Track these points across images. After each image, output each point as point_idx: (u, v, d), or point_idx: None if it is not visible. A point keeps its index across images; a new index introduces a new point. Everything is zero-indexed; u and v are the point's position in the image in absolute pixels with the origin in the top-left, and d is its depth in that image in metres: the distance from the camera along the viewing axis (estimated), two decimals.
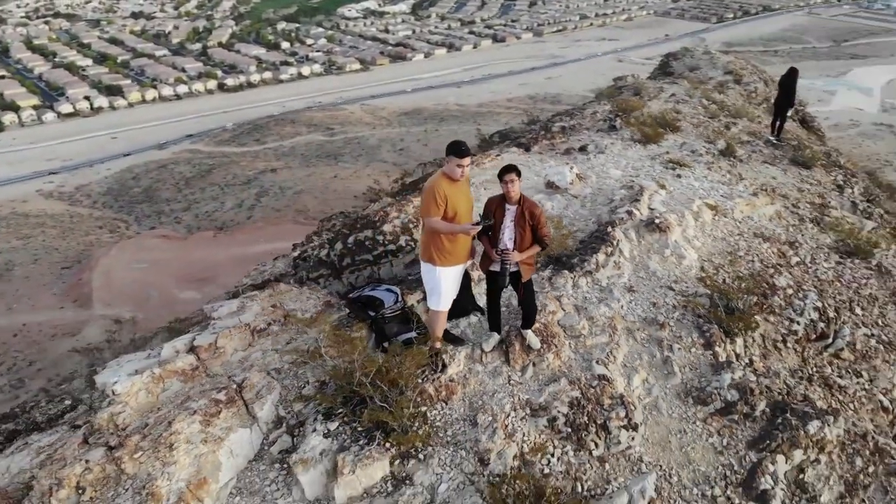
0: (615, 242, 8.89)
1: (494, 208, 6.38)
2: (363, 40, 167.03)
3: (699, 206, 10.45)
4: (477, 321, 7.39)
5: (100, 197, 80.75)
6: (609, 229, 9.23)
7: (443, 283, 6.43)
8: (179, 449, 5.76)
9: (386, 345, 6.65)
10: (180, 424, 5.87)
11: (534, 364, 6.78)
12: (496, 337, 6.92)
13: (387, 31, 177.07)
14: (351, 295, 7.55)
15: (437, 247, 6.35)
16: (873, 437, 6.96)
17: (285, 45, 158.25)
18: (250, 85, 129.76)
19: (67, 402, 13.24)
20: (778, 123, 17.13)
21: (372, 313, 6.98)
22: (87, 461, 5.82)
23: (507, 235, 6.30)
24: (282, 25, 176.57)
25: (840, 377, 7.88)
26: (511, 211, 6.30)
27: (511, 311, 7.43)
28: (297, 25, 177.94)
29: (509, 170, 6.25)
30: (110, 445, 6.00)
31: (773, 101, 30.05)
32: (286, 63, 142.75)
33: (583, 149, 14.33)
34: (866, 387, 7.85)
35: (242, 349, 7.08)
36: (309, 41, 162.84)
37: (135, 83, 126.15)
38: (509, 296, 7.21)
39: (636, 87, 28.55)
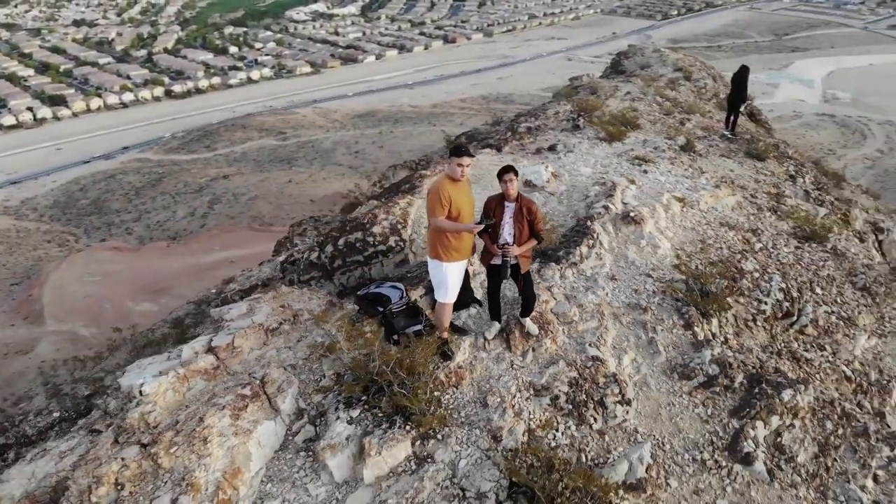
0: (595, 235, 9.59)
1: (494, 206, 6.96)
2: (313, 43, 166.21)
3: (668, 199, 11.25)
4: (476, 312, 7.97)
5: (47, 210, 78.75)
6: (588, 223, 9.92)
7: (449, 278, 6.98)
8: (213, 442, 6.17)
9: (395, 337, 7.16)
10: (212, 419, 6.28)
11: (533, 349, 7.39)
12: (497, 326, 7.51)
13: (337, 33, 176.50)
14: (359, 293, 8.03)
15: (443, 244, 6.90)
16: (840, 404, 7.78)
17: (233, 49, 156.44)
18: (198, 91, 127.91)
19: (56, 415, 13.38)
20: (732, 118, 18.16)
21: (381, 309, 7.48)
22: (122, 459, 6.18)
23: (507, 231, 6.89)
24: (229, 30, 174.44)
25: (806, 351, 8.72)
26: (510, 208, 6.89)
27: (506, 301, 8.02)
28: (245, 29, 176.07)
29: (508, 170, 6.84)
30: (143, 443, 6.37)
31: (722, 96, 31.42)
32: (235, 68, 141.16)
33: (552, 148, 15.04)
34: (830, 359, 8.70)
35: (258, 348, 7.51)
36: (258, 45, 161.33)
37: (79, 92, 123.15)
38: (503, 287, 7.79)
39: (592, 86, 29.44)
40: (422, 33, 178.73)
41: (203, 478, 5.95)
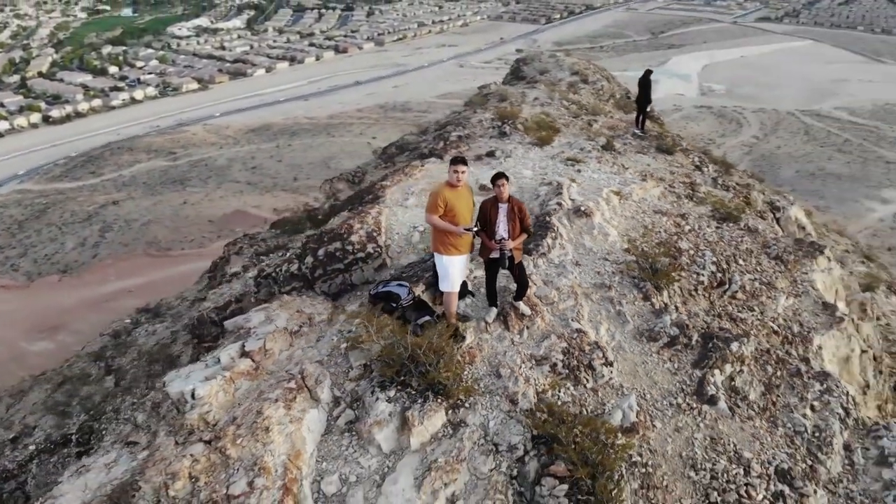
0: (556, 229, 11.08)
1: (489, 207, 8.27)
2: (198, 59, 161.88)
3: (607, 193, 12.94)
4: (471, 302, 9.23)
5: None
6: (547, 219, 11.40)
7: (451, 269, 8.24)
8: (273, 430, 7.11)
9: (419, 324, 8.33)
10: (269, 411, 7.22)
11: (527, 327, 8.74)
12: (495, 310, 8.81)
13: (223, 47, 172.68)
14: (371, 292, 9.11)
15: (442, 241, 8.18)
16: (774, 352, 9.61)
17: (113, 69, 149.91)
18: (78, 114, 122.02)
19: (32, 448, 13.57)
20: (641, 118, 20.33)
21: (394, 304, 8.61)
22: (191, 455, 7.00)
23: (502, 228, 8.21)
24: (107, 49, 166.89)
25: (740, 312, 10.55)
26: (503, 208, 8.22)
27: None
28: (125, 48, 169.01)
29: (500, 176, 8.18)
30: (205, 440, 7.21)
31: (617, 96, 34.09)
32: (116, 88, 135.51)
33: (491, 154, 16.51)
34: (759, 317, 10.56)
35: (286, 349, 8.44)
36: (139, 64, 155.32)
37: None
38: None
39: (501, 93, 31.21)
40: (312, 44, 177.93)
41: (271, 461, 6.89)
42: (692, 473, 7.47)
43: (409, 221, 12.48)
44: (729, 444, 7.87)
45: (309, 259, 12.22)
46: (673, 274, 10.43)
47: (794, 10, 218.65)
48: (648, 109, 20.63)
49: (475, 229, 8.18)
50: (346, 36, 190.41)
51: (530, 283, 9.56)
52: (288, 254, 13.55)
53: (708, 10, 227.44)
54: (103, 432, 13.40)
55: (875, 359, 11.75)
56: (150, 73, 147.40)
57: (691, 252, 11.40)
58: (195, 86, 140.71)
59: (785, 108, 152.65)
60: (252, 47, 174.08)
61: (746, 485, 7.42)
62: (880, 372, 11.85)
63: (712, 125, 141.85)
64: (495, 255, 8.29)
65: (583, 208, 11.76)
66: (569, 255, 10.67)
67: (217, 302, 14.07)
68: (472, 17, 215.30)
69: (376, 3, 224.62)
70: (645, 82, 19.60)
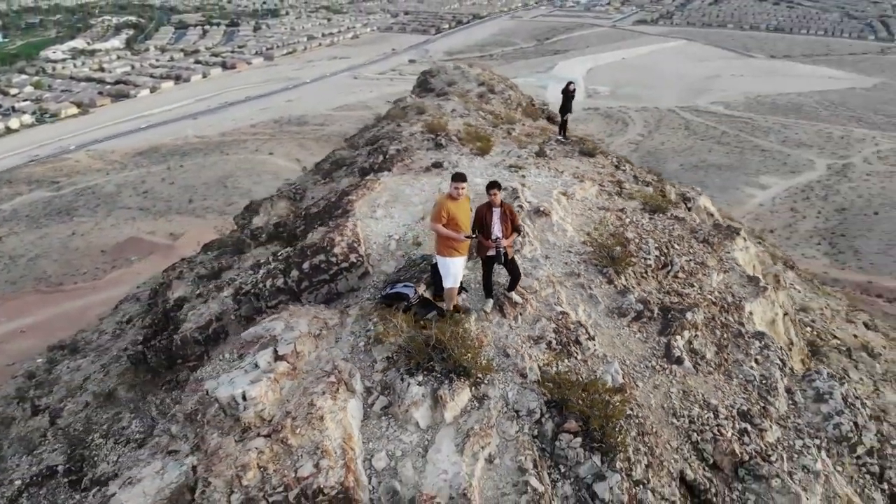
0: (523, 228, 12.57)
1: (485, 211, 9.65)
2: (76, 82, 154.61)
3: (556, 194, 14.61)
4: (466, 297, 10.55)
5: None
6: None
7: (452, 269, 9.56)
8: (327, 418, 8.17)
9: (435, 315, 9.59)
10: (320, 402, 8.27)
11: (520, 314, 10.17)
12: (491, 301, 10.19)
13: (102, 69, 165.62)
14: (382, 293, 10.27)
15: (446, 246, 9.49)
16: (717, 319, 11.49)
17: None
18: None
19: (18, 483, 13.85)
20: (563, 125, 22.31)
21: (405, 303, 9.82)
22: (256, 448, 7.95)
23: (497, 229, 9.60)
24: None
25: (683, 288, 12.42)
26: (497, 212, 9.62)
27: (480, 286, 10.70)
28: None
29: (493, 185, 9.59)
30: (264, 434, 8.16)
31: (524, 104, 36.23)
32: None
33: (439, 165, 17.85)
34: (699, 291, 12.47)
35: (314, 350, 9.46)
36: (13, 91, 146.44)
37: None
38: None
39: (418, 106, 32.59)
40: (198, 62, 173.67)
41: (330, 445, 7.95)
42: (674, 420, 9.12)
43: (383, 231, 13.65)
44: (698, 395, 9.59)
45: (294, 273, 13.15)
46: (627, 260, 12.16)
47: (667, 11, 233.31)
48: (565, 118, 22.64)
49: (474, 236, 9.53)
50: (233, 52, 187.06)
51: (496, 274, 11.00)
52: (261, 271, 14.36)
53: (588, 16, 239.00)
54: (95, 458, 13.81)
55: (793, 322, 13.98)
56: (24, 101, 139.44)
57: (637, 241, 13.21)
58: (75, 110, 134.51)
59: (665, 105, 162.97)
60: (134, 67, 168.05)
61: (717, 426, 9.14)
62: (796, 333, 14.10)
63: (600, 125, 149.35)
64: (492, 252, 9.67)
65: (541, 208, 13.35)
66: (538, 250, 12.19)
67: (199, 322, 14.65)
68: (362, 29, 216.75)
69: (262, 17, 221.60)
70: (567, 93, 21.58)
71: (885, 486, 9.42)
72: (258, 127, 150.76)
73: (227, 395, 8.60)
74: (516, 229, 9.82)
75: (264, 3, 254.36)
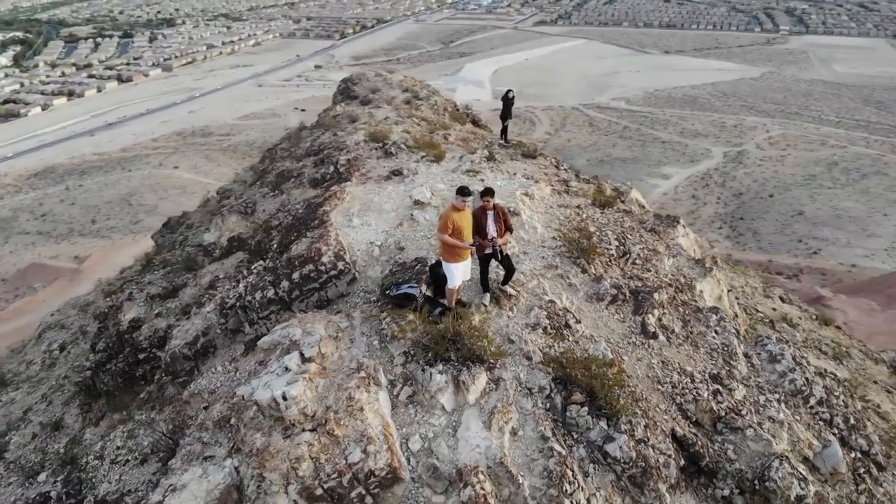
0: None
1: (480, 215, 10.74)
2: None
3: (519, 195, 15.87)
4: (464, 291, 11.61)
5: None
6: None
7: (455, 272, 10.62)
8: (366, 409, 9.06)
9: (442, 311, 10.60)
10: (357, 395, 9.14)
11: (515, 304, 11.32)
12: (488, 295, 11.31)
13: None
14: (391, 294, 11.17)
15: (451, 252, 10.54)
16: (677, 297, 13.02)
17: None
18: None
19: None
20: (504, 130, 23.70)
21: (414, 302, 10.78)
22: (305, 441, 8.73)
23: (493, 230, 10.72)
24: None
25: (642, 273, 13.92)
26: (491, 215, 10.74)
27: (476, 281, 11.80)
28: None
29: (486, 192, 10.72)
30: (309, 429, 8.95)
31: (450, 109, 37.47)
32: None
33: (398, 172, 18.77)
34: (656, 275, 14.01)
35: (335, 351, 10.27)
36: None
37: None
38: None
39: (350, 115, 33.24)
40: (91, 76, 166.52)
41: (373, 432, 8.84)
42: (659, 387, 10.51)
43: (364, 239, 14.51)
44: (675, 364, 11.03)
45: (285, 283, 13.82)
46: (594, 251, 13.55)
47: (565, 12, 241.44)
48: (506, 123, 24.04)
49: (474, 245, 10.60)
50: (128, 64, 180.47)
51: (501, 272, 12.16)
52: (241, 285, 14.99)
53: (490, 18, 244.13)
54: (93, 480, 14.05)
55: (737, 298, 15.80)
56: None
57: (597, 233, 14.64)
58: None
59: (569, 103, 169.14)
60: (23, 85, 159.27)
61: (695, 388, 10.59)
62: (739, 306, 15.93)
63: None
64: (489, 251, 10.79)
65: (511, 209, 14.56)
66: (515, 247, 13.39)
67: (186, 338, 15.03)
68: (263, 36, 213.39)
69: (157, 27, 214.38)
70: (506, 100, 22.97)
71: (835, 431, 11.15)
72: (160, 141, 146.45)
73: (266, 397, 9.31)
74: (509, 229, 10.98)
75: (158, 12, 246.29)
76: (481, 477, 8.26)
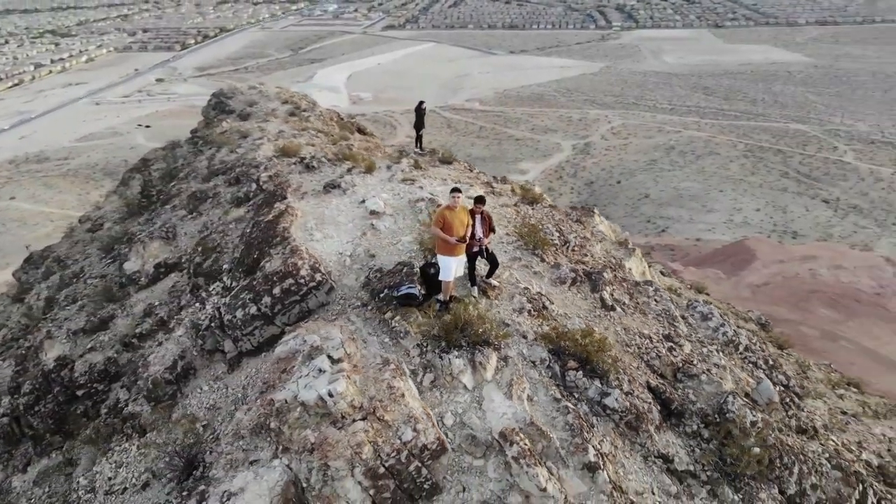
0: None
1: (470, 217, 12.32)
2: None
3: (464, 199, 17.51)
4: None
5: None
6: None
7: (450, 265, 12.13)
8: (407, 396, 10.40)
9: (446, 306, 12.09)
10: (396, 384, 10.45)
11: (499, 294, 13.02)
12: (476, 288, 12.92)
13: None
14: (395, 295, 12.44)
15: (445, 247, 12.06)
16: (616, 275, 15.26)
17: None
18: None
19: None
20: (419, 140, 25.29)
21: (417, 300, 12.18)
22: (361, 429, 9.93)
23: (480, 230, 12.35)
24: None
25: (582, 258, 16.08)
26: (479, 218, 12.36)
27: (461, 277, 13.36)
28: None
29: (479, 200, 12.33)
30: (359, 419, 10.14)
31: (335, 119, 38.55)
32: None
33: (336, 185, 19.79)
34: (593, 258, 16.20)
35: (357, 350, 11.46)
36: None
37: None
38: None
39: (239, 130, 33.43)
40: None
41: (418, 413, 10.20)
42: (628, 349, 12.62)
43: (331, 250, 15.62)
44: (634, 329, 13.21)
45: (266, 299, 14.64)
46: (545, 242, 15.53)
47: (412, 16, 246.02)
48: (420, 133, 25.67)
49: (454, 240, 12.14)
50: None
51: (478, 267, 13.82)
52: (208, 307, 15.69)
53: (338, 24, 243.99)
54: None
55: (661, 273, 18.42)
56: None
57: (539, 227, 16.66)
58: None
59: (426, 106, 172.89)
60: None
61: (654, 347, 12.81)
62: (658, 279, 18.59)
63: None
64: (476, 249, 12.41)
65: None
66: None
67: (164, 363, 15.38)
68: (97, 52, 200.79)
69: None
70: (419, 111, 24.57)
71: (761, 371, 13.81)
72: None
73: (312, 397, 10.38)
74: (492, 230, 12.66)
75: None
76: (522, 436, 9.90)
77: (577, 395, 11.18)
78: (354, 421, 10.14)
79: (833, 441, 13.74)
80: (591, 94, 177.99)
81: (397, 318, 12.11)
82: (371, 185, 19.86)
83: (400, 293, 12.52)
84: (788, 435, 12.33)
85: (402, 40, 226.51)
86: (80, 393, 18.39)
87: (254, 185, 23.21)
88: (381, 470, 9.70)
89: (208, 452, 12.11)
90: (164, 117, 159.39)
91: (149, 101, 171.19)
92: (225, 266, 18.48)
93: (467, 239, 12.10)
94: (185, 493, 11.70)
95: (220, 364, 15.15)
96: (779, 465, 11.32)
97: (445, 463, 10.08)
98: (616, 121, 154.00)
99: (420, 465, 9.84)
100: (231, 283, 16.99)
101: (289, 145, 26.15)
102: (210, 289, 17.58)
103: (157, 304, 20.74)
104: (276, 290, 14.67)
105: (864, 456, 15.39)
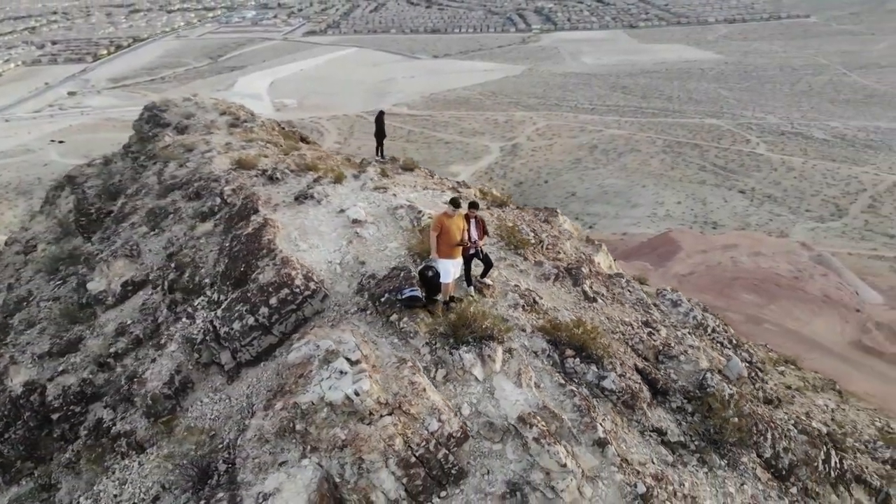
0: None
1: (465, 222, 13.22)
2: None
3: (442, 203, 18.39)
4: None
5: None
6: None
7: (449, 267, 13.02)
8: (428, 390, 11.21)
9: (450, 304, 12.95)
10: (417, 379, 11.25)
11: (494, 292, 13.97)
12: (472, 287, 13.83)
13: None
14: (400, 298, 13.17)
15: (444, 251, 12.93)
16: (588, 268, 16.45)
17: None
18: None
19: None
20: (380, 148, 26.01)
21: (420, 302, 12.99)
22: (390, 423, 10.67)
23: (474, 234, 13.27)
24: None
25: (556, 255, 17.20)
26: (473, 222, 13.28)
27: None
28: None
29: (472, 206, 13.25)
30: (385, 413, 10.88)
31: (277, 130, 38.84)
32: None
33: (309, 196, 20.28)
34: (566, 255, 17.36)
35: (371, 351, 12.17)
36: None
37: None
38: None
39: (183, 144, 33.05)
40: None
41: (437, 403, 11.02)
42: (614, 336, 13.81)
43: (320, 259, 16.23)
44: (616, 318, 14.42)
45: (264, 309, 15.11)
46: (525, 242, 16.58)
47: (333, 21, 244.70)
48: (382, 141, 26.38)
49: (462, 245, 13.03)
50: None
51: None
52: (198, 322, 16.05)
53: (257, 30, 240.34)
54: None
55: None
56: None
57: (516, 228, 17.71)
58: None
59: (353, 111, 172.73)
60: None
61: (636, 333, 14.03)
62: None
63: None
64: (472, 251, 13.33)
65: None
66: None
67: (161, 379, 15.59)
68: (4, 66, 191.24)
69: None
70: (379, 120, 25.29)
71: (728, 349, 15.27)
72: None
73: (339, 397, 11.06)
74: (486, 233, 13.61)
75: None
76: (539, 419, 10.87)
77: (577, 380, 12.25)
78: (382, 416, 10.88)
79: (793, 410, 15.33)
80: (515, 96, 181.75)
81: (405, 319, 12.89)
82: (344, 194, 20.44)
83: (404, 296, 13.30)
84: (758, 405, 13.76)
85: (324, 46, 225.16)
86: (55, 417, 18.30)
87: (218, 199, 23.26)
88: (413, 459, 10.48)
89: (221, 461, 12.51)
90: (78, 132, 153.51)
91: (61, 115, 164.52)
92: (206, 280, 18.70)
93: (466, 243, 13.01)
94: (202, 502, 12.10)
95: (217, 376, 15.51)
96: (755, 431, 12.72)
97: (468, 449, 10.94)
98: (540, 122, 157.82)
99: (447, 452, 10.68)
100: (218, 297, 17.30)
101: (245, 158, 26.17)
102: (195, 303, 17.83)
103: (129, 322, 20.74)
104: (273, 301, 15.17)
105: (814, 424, 17.12)
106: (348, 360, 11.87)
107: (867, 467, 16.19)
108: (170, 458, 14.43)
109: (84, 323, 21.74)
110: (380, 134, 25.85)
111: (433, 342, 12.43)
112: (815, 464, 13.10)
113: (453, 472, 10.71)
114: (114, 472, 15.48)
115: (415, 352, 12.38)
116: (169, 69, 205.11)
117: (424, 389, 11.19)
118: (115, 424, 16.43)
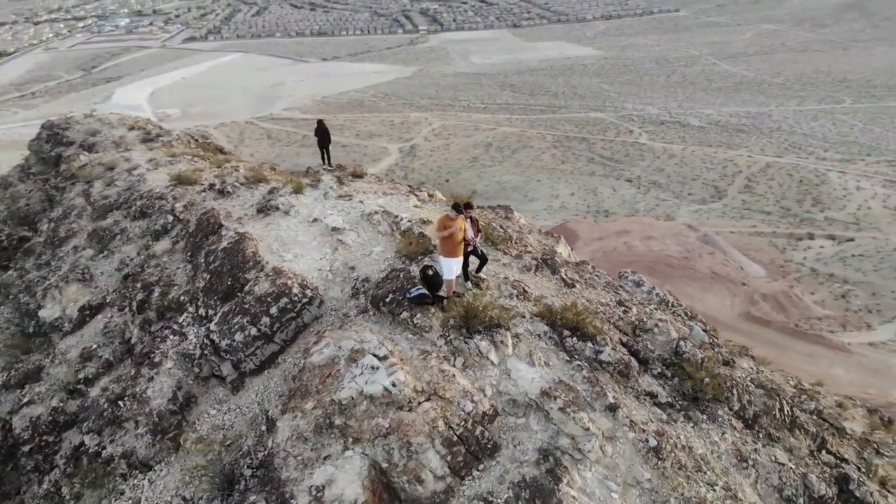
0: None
1: (462, 221, 14.43)
2: None
3: (411, 207, 19.49)
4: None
5: None
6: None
7: (452, 266, 14.22)
8: (457, 376, 12.37)
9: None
10: (446, 368, 12.41)
11: (489, 285, 15.26)
12: (469, 282, 15.05)
13: None
14: (409, 296, 14.16)
15: (447, 250, 14.11)
16: (560, 259, 18.06)
17: None
18: None
19: None
20: (326, 156, 26.65)
21: (428, 299, 14.08)
22: (429, 407, 11.73)
23: (471, 232, 14.51)
24: None
25: (526, 249, 18.69)
26: (469, 222, 14.50)
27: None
28: None
29: (467, 206, 14.44)
30: (423, 400, 11.93)
31: (194, 144, 38.68)
32: None
33: (275, 207, 20.75)
34: (535, 248, 18.88)
35: (391, 347, 13.15)
36: None
37: None
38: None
39: (103, 162, 32.35)
40: None
41: (467, 387, 12.19)
42: (598, 315, 15.41)
43: (309, 268, 16.97)
44: (594, 300, 16.08)
45: (265, 319, 15.70)
46: (499, 239, 17.96)
47: (214, 26, 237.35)
48: (327, 148, 26.99)
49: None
50: None
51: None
52: (191, 338, 16.50)
53: (133, 38, 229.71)
54: None
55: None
56: None
57: (490, 227, 19.05)
58: None
59: (242, 118, 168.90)
60: None
61: (613, 312, 15.73)
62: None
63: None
64: (470, 248, 14.57)
65: (425, 220, 18.20)
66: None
67: (164, 396, 15.80)
68: None
69: None
70: (322, 129, 25.95)
71: (689, 321, 17.28)
72: None
73: (377, 389, 12.02)
74: (481, 231, 14.89)
75: None
76: (560, 391, 12.27)
77: (578, 356, 13.77)
78: (421, 403, 11.94)
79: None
80: (408, 97, 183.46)
81: (418, 315, 13.96)
82: (309, 204, 21.09)
83: (413, 295, 14.35)
84: (720, 367, 15.81)
85: (206, 52, 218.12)
86: (26, 448, 18.03)
87: (169, 217, 23.17)
88: (454, 438, 11.63)
89: (246, 466, 13.07)
90: None
91: None
92: (183, 297, 18.86)
93: (471, 241, 14.23)
94: None
95: (219, 388, 15.95)
96: (724, 388, 14.70)
97: (497, 425, 12.18)
98: (436, 122, 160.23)
99: (483, 428, 11.90)
100: (206, 312, 17.60)
101: (183, 173, 26.08)
102: (181, 320, 18.03)
103: (94, 346, 20.59)
104: (273, 310, 15.80)
105: (761, 379, 19.59)
106: (375, 356, 12.82)
107: (799, 417, 18.75)
108: (188, 471, 14.79)
109: (40, 351, 21.24)
110: (323, 142, 26.51)
111: (447, 334, 13.58)
112: (774, 412, 15.25)
113: (489, 446, 11.94)
114: (123, 493, 15.62)
115: (431, 344, 13.48)
116: (40, 83, 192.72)
117: (454, 375, 12.34)
118: (104, 448, 16.42)
